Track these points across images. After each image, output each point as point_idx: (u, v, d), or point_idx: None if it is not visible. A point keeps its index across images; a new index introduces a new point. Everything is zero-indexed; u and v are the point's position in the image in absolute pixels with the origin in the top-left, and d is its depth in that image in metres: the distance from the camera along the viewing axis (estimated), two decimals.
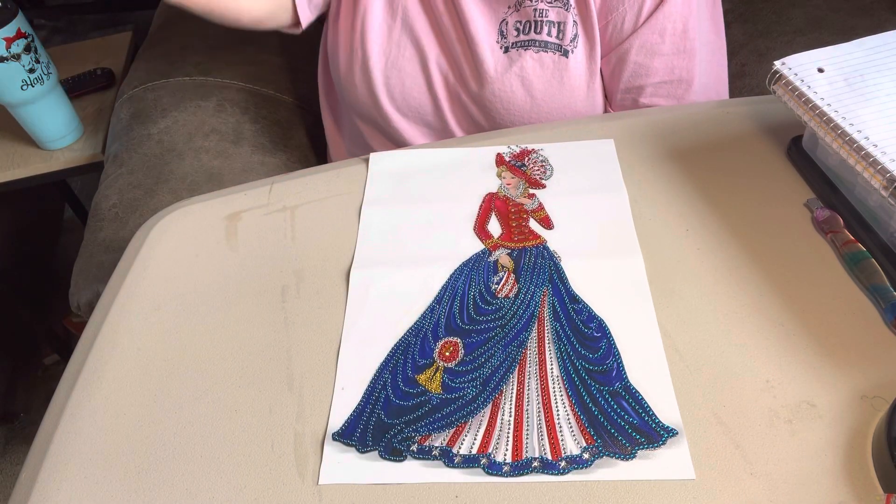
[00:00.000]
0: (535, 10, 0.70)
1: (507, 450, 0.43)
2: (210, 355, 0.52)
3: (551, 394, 0.46)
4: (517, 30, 0.71)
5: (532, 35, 0.71)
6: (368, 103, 0.77)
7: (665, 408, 0.44)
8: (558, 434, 0.44)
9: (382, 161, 0.66)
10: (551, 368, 0.47)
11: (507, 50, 0.72)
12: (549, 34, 0.71)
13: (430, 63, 0.75)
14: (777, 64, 0.56)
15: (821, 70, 0.55)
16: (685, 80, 0.72)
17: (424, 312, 0.52)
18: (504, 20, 0.71)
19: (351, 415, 0.46)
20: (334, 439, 0.45)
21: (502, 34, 0.72)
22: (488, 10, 0.72)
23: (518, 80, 0.72)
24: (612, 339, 0.48)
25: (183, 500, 0.43)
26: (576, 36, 0.71)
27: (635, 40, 0.71)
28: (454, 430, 0.45)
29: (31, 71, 0.98)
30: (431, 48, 0.74)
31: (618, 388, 0.46)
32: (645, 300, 0.50)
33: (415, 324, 0.51)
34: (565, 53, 0.71)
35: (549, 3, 0.70)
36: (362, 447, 0.45)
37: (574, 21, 0.70)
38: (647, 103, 0.74)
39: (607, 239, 0.56)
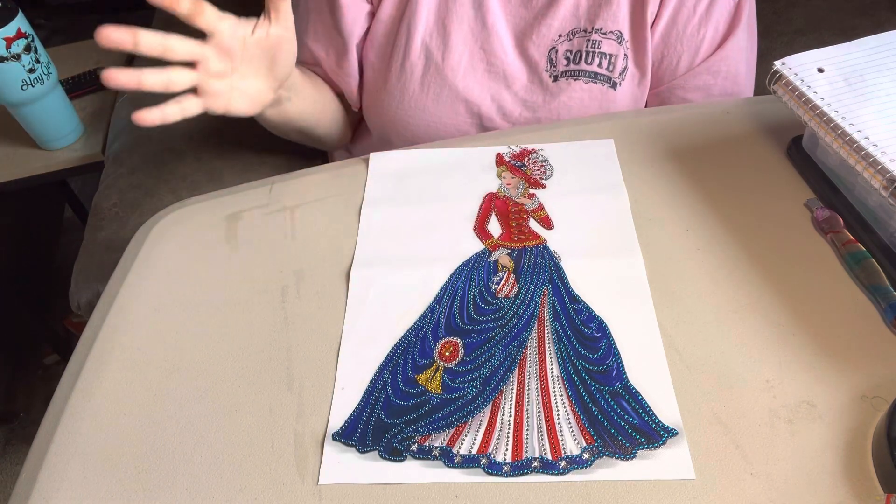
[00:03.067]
0: (589, 40, 0.69)
1: (507, 450, 0.43)
2: (210, 355, 0.52)
3: (551, 394, 0.46)
4: (567, 59, 0.70)
5: (582, 65, 0.69)
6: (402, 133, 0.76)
7: (665, 408, 0.44)
8: (558, 434, 0.44)
9: (382, 161, 0.66)
10: (551, 368, 0.47)
11: (556, 79, 0.70)
12: (599, 65, 0.69)
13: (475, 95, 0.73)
14: (777, 64, 0.56)
15: (821, 70, 0.55)
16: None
17: (424, 312, 0.52)
18: (554, 48, 0.70)
19: (351, 415, 0.46)
20: (334, 439, 0.45)
21: (551, 62, 0.70)
22: (538, 36, 0.70)
23: (565, 109, 0.71)
24: (612, 339, 0.48)
25: (183, 500, 0.43)
26: (625, 69, 0.70)
27: (689, 80, 0.71)
28: (454, 430, 0.45)
29: (31, 71, 0.98)
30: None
31: (618, 388, 0.46)
32: (645, 300, 0.50)
33: (415, 324, 0.51)
34: (613, 86, 0.70)
35: (603, 34, 0.69)
36: (362, 447, 0.45)
37: (625, 54, 0.69)
38: None
39: (607, 239, 0.55)
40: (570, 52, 0.70)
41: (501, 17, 0.70)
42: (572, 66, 0.70)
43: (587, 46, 0.69)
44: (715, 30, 0.69)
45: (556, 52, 0.70)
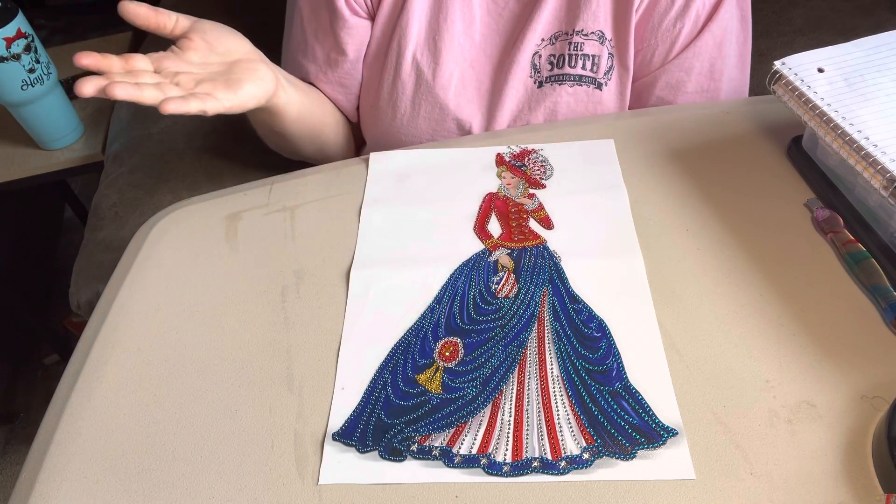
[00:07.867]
0: (571, 43, 0.68)
1: (507, 450, 0.43)
2: (210, 355, 0.52)
3: (551, 394, 0.46)
4: (551, 63, 0.69)
5: (566, 69, 0.69)
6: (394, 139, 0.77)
7: (665, 408, 0.44)
8: (558, 434, 0.44)
9: (382, 161, 0.66)
10: (551, 368, 0.47)
11: (540, 85, 0.70)
12: (583, 67, 0.69)
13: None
14: (777, 64, 0.56)
15: (821, 70, 0.55)
16: None
17: (424, 312, 0.52)
18: (537, 53, 0.69)
19: (351, 415, 0.46)
20: (334, 439, 0.45)
21: (535, 68, 0.69)
22: (522, 44, 0.69)
23: (551, 115, 0.70)
24: (612, 339, 0.48)
25: (183, 500, 0.43)
26: (610, 68, 0.69)
27: (662, 75, 0.70)
28: (454, 430, 0.45)
29: (31, 71, 0.98)
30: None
31: (618, 388, 0.46)
32: (645, 300, 0.50)
33: (415, 324, 0.51)
34: (599, 86, 0.69)
35: (584, 36, 0.68)
36: (362, 447, 0.45)
37: (610, 53, 0.68)
38: None
39: (607, 239, 0.55)
40: (554, 56, 0.69)
41: (490, 31, 0.70)
42: (556, 71, 0.69)
43: (570, 49, 0.68)
44: (694, 24, 0.67)
45: (540, 57, 0.69)
